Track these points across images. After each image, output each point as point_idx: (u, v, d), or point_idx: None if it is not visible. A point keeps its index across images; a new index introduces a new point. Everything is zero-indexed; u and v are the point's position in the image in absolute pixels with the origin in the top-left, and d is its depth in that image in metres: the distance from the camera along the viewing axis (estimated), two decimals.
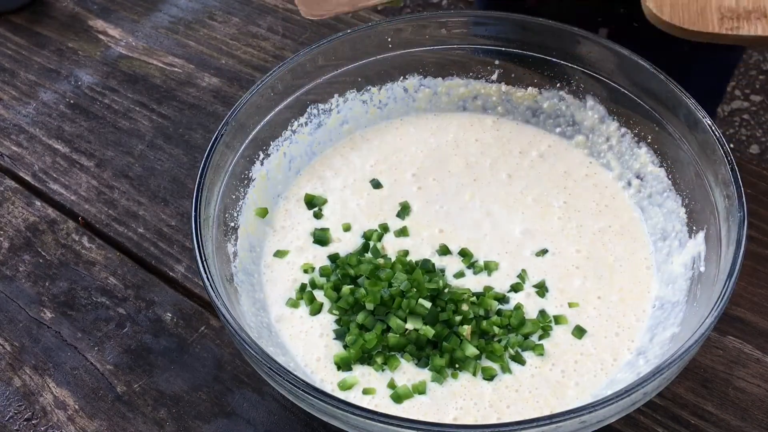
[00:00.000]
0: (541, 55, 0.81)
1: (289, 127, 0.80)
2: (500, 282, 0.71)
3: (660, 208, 0.75)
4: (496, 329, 0.67)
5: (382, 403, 0.64)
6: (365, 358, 0.66)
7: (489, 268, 0.72)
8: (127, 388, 0.73)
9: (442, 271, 0.72)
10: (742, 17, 0.75)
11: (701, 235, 0.68)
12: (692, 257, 0.68)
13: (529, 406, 0.63)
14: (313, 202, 0.78)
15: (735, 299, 0.75)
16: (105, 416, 0.72)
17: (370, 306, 0.67)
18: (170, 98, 1.01)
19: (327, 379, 0.66)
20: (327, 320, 0.70)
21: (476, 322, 0.67)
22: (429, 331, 0.65)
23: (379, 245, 0.74)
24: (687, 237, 0.70)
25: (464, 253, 0.73)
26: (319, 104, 0.82)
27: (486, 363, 0.66)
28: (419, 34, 0.82)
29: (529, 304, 0.70)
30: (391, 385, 0.64)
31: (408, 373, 0.65)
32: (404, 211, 0.77)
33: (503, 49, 0.82)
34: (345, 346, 0.67)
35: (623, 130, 0.79)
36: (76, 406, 0.72)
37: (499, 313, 0.69)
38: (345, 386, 0.64)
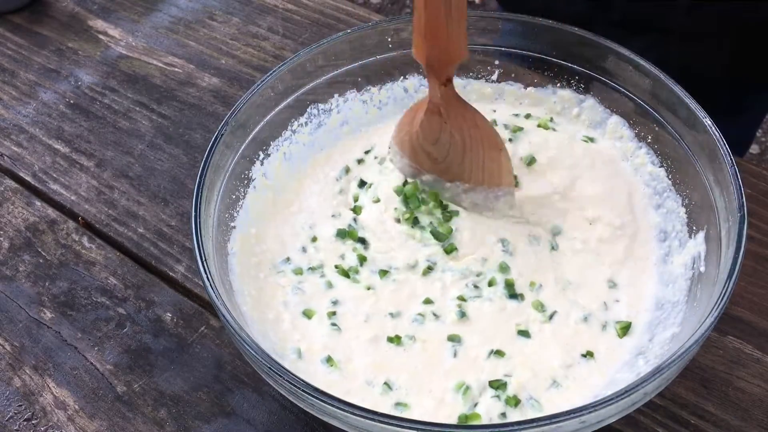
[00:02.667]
0: (541, 55, 0.81)
1: (289, 127, 0.80)
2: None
3: (660, 208, 0.75)
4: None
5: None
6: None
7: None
8: (127, 388, 0.73)
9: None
10: None
11: (701, 235, 0.68)
12: (692, 257, 0.68)
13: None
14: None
15: (735, 299, 0.75)
16: (105, 416, 0.72)
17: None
18: (170, 98, 1.01)
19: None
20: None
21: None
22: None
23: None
24: (687, 237, 0.70)
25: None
26: (319, 104, 0.82)
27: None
28: None
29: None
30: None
31: None
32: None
33: (503, 49, 0.82)
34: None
35: (623, 129, 0.79)
36: (76, 406, 0.72)
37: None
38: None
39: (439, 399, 0.64)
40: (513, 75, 0.83)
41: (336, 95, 0.83)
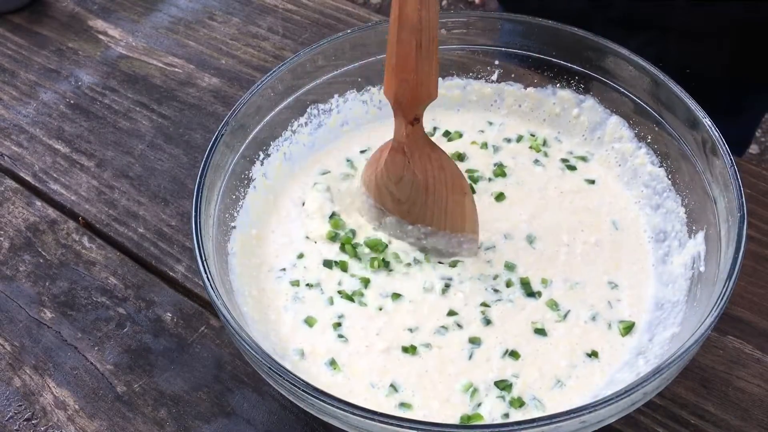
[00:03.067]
0: (541, 55, 0.81)
1: (289, 127, 0.80)
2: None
3: (660, 208, 0.75)
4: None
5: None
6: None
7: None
8: (127, 388, 0.73)
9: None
10: None
11: (701, 235, 0.68)
12: (692, 257, 0.68)
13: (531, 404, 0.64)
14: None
15: (735, 299, 0.75)
16: (105, 416, 0.72)
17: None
18: (170, 98, 1.01)
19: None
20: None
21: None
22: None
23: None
24: (687, 237, 0.71)
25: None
26: (319, 104, 0.82)
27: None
28: None
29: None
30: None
31: None
32: None
33: (503, 49, 0.82)
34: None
35: (623, 130, 0.79)
36: (76, 406, 0.72)
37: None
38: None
39: (445, 399, 0.64)
40: (513, 75, 0.84)
41: (336, 95, 0.83)
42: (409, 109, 0.65)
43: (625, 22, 1.02)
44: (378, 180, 0.71)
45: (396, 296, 0.71)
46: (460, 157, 0.82)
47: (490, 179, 0.80)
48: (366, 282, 0.72)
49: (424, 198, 0.70)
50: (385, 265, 0.73)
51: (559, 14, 0.79)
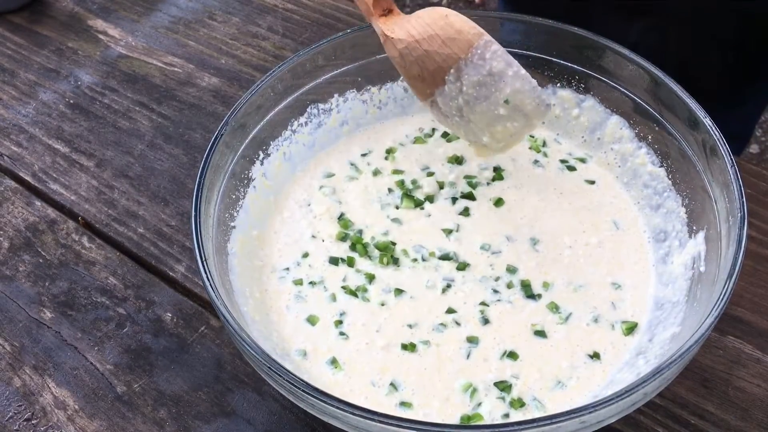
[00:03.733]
0: (541, 55, 0.81)
1: (289, 127, 0.80)
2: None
3: (660, 208, 0.75)
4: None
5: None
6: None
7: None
8: (127, 388, 0.73)
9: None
10: None
11: (701, 235, 0.68)
12: (692, 257, 0.68)
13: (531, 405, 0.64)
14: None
15: (735, 299, 0.75)
16: (105, 416, 0.72)
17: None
18: (170, 98, 1.01)
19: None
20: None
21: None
22: None
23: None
24: (687, 237, 0.71)
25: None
26: (319, 104, 0.82)
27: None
28: None
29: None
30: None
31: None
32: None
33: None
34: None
35: (623, 130, 0.79)
36: (76, 406, 0.72)
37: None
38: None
39: (445, 399, 0.64)
40: None
41: (336, 95, 0.83)
42: (376, 2, 0.73)
43: (625, 10, 1.02)
44: (409, 84, 0.76)
45: (398, 292, 0.71)
46: (458, 160, 0.82)
47: (488, 183, 0.80)
48: (371, 278, 0.72)
49: (421, 50, 0.72)
50: (394, 261, 0.73)
51: (559, 4, 0.79)
